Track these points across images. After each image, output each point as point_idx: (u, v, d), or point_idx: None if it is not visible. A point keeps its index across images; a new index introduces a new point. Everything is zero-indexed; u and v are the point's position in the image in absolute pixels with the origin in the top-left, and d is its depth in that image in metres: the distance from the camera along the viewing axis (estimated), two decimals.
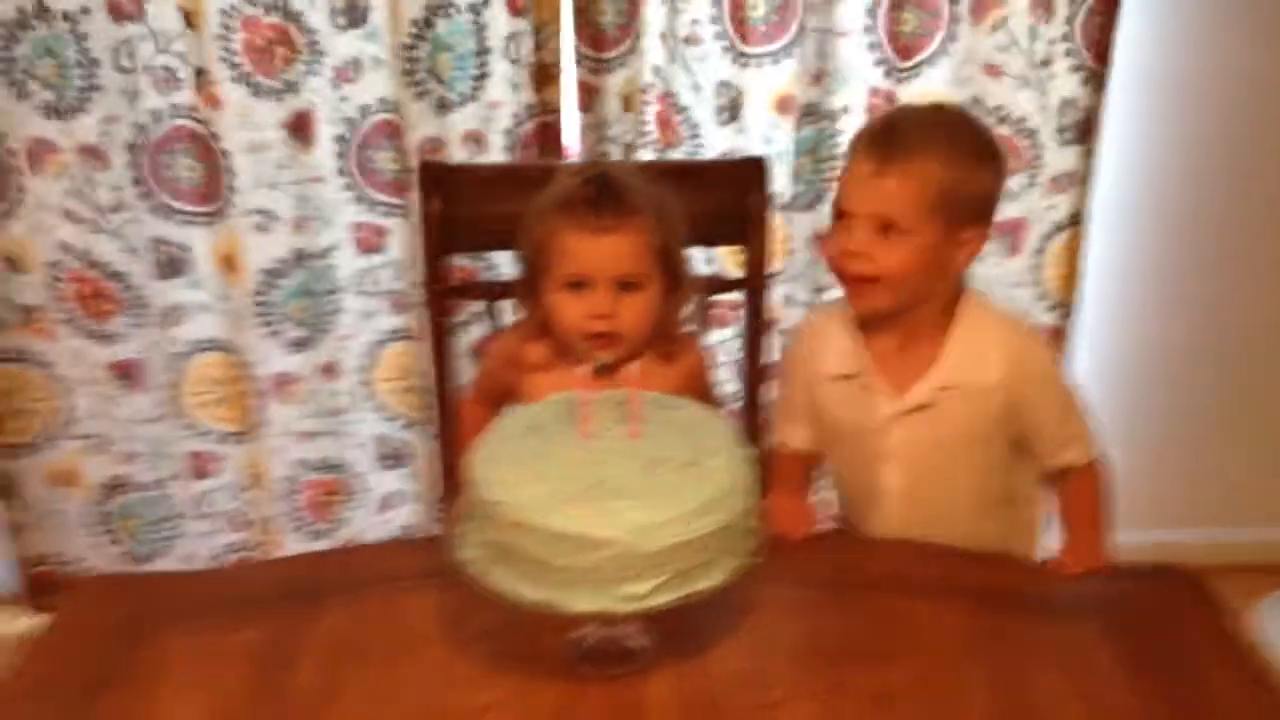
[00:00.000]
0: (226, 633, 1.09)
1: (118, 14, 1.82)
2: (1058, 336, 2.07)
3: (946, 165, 1.26)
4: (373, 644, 1.07)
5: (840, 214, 1.31)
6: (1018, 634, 1.08)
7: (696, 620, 1.06)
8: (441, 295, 1.63)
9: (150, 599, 1.16)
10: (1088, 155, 1.96)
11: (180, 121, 1.89)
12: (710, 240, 1.84)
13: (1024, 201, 1.99)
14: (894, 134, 1.29)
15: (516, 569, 0.96)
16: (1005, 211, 2.00)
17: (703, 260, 1.98)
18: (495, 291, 1.70)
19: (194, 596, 1.18)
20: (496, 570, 0.98)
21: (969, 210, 1.28)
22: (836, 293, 1.39)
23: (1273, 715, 0.99)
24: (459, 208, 1.58)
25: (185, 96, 1.87)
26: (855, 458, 1.38)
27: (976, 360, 1.31)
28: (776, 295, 2.01)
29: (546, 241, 1.31)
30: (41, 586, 2.17)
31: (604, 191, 1.31)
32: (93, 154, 1.90)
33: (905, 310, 1.31)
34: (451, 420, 1.64)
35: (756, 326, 1.63)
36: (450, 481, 1.56)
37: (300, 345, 2.04)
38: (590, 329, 1.31)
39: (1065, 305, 2.06)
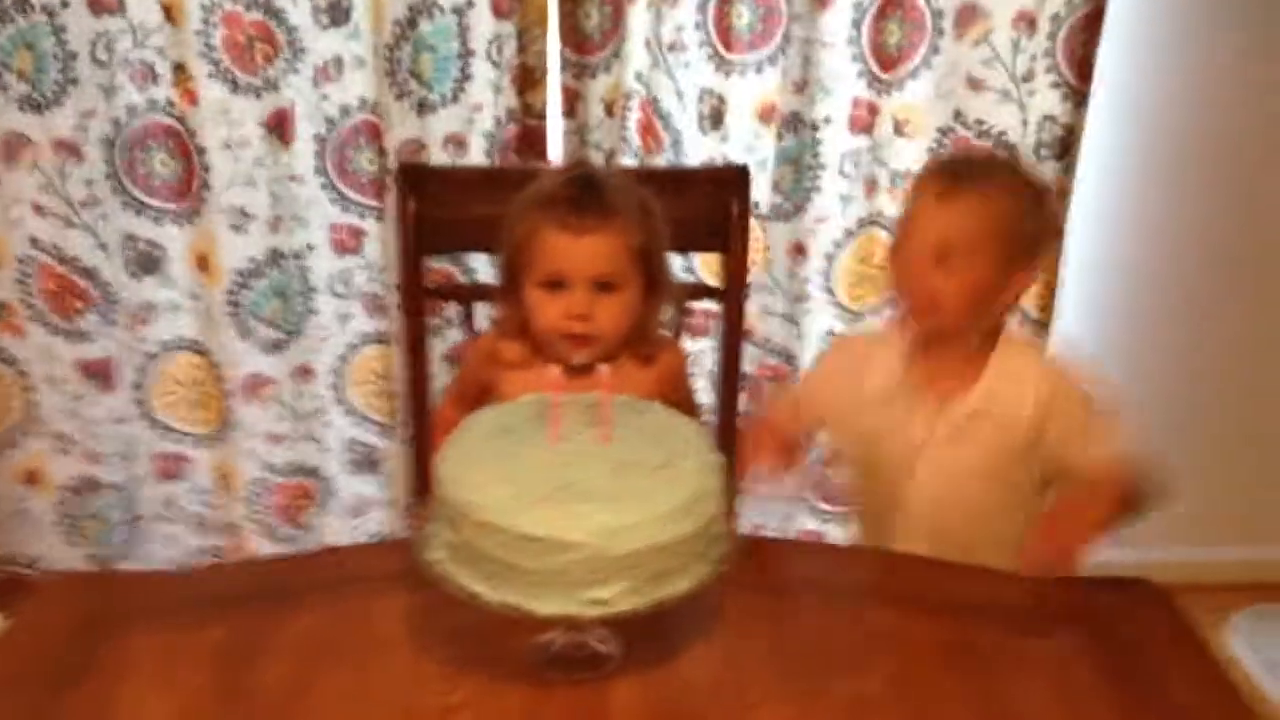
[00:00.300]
0: (193, 631, 1.07)
1: (97, 7, 1.80)
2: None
3: (1008, 199, 1.32)
4: (341, 644, 1.05)
5: (903, 241, 1.35)
6: (992, 644, 1.07)
7: (666, 626, 1.04)
8: (417, 297, 1.62)
9: (115, 597, 1.14)
10: (1067, 171, 1.96)
11: (157, 117, 1.88)
12: (689, 247, 1.84)
13: None
14: (962, 166, 1.37)
15: (483, 570, 0.95)
16: None
17: (681, 268, 1.98)
18: (472, 295, 1.69)
19: (160, 595, 1.15)
20: (463, 571, 0.96)
21: (1023, 246, 1.33)
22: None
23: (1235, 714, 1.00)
24: (437, 210, 1.57)
25: (163, 92, 1.86)
26: (881, 477, 1.41)
27: (1011, 391, 1.34)
28: (753, 306, 2.00)
29: (527, 239, 1.30)
30: (3, 588, 2.14)
31: (586, 191, 1.31)
32: (67, 148, 1.88)
33: (952, 337, 1.36)
34: (425, 424, 1.63)
35: (733, 335, 1.62)
36: (422, 486, 1.54)
37: (274, 347, 2.02)
38: (567, 329, 1.30)
39: (1043, 319, 2.06)
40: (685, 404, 1.41)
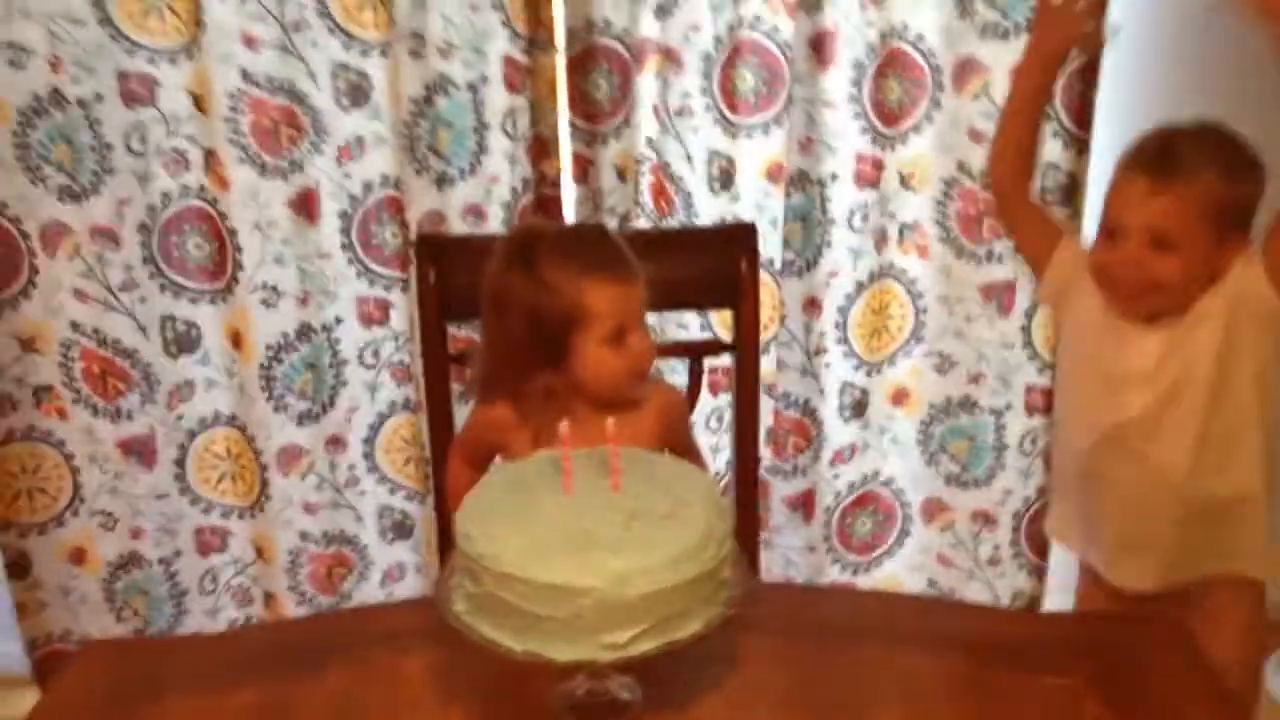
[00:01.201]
0: (225, 694, 1.11)
1: (130, 99, 1.89)
2: (1050, 398, 2.09)
3: (1217, 181, 1.33)
4: (369, 703, 1.09)
5: (1111, 229, 1.39)
6: (1002, 682, 1.09)
7: (683, 671, 1.07)
8: (442, 365, 1.67)
9: (149, 662, 1.18)
10: (1074, 217, 2.00)
11: (190, 202, 1.96)
12: (704, 304, 1.89)
13: (1011, 264, 2.03)
14: (1167, 153, 1.36)
15: (503, 620, 0.99)
16: (993, 273, 2.05)
17: (698, 325, 2.03)
18: None
19: (192, 660, 1.20)
20: (485, 622, 1.00)
21: (1236, 220, 1.36)
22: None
23: None
24: (457, 278, 1.62)
25: (195, 178, 1.94)
26: (1094, 378, 1.45)
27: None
28: (771, 361, 2.05)
29: (577, 303, 1.31)
30: (49, 666, 2.19)
31: (612, 243, 1.37)
32: (105, 235, 1.96)
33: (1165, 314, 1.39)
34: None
35: (748, 387, 1.65)
36: (446, 548, 1.58)
37: (307, 418, 2.08)
38: (638, 369, 1.35)
39: (1055, 366, 2.08)
40: (683, 437, 1.46)
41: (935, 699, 1.08)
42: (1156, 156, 1.37)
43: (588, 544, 0.98)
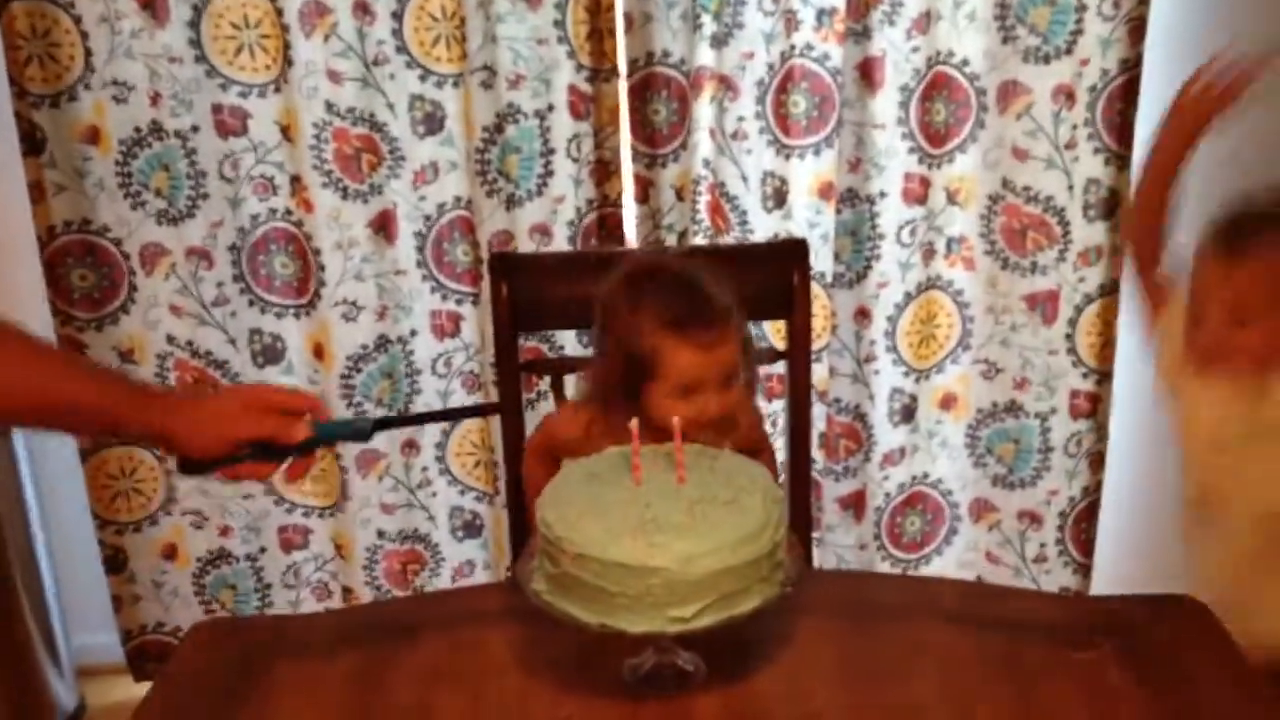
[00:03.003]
0: (329, 662, 1.23)
1: (223, 130, 2.04)
2: (1094, 402, 2.17)
3: None
4: (458, 670, 1.20)
5: (1199, 313, 1.39)
6: (1033, 657, 1.19)
7: (742, 647, 1.18)
8: (513, 373, 1.78)
9: (261, 637, 1.31)
10: (1114, 230, 2.08)
11: (277, 224, 2.11)
12: (758, 316, 1.98)
13: (1055, 275, 2.12)
14: (1238, 229, 1.36)
15: (579, 597, 1.10)
16: (1037, 284, 2.14)
17: (755, 335, 2.13)
18: (561, 368, 1.85)
19: (298, 634, 1.32)
20: (562, 599, 1.12)
21: None
22: None
23: None
24: (527, 293, 1.73)
25: (282, 202, 2.09)
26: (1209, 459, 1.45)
27: None
28: (823, 369, 2.15)
29: (655, 355, 1.35)
30: (143, 655, 2.34)
31: (703, 304, 1.37)
32: (199, 255, 2.11)
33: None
34: (519, 490, 1.78)
35: (799, 395, 1.75)
36: (517, 540, 1.69)
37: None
38: (705, 422, 1.34)
39: (1102, 371, 2.16)
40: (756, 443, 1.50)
41: (972, 673, 1.17)
42: (1229, 232, 1.36)
43: (656, 528, 1.09)
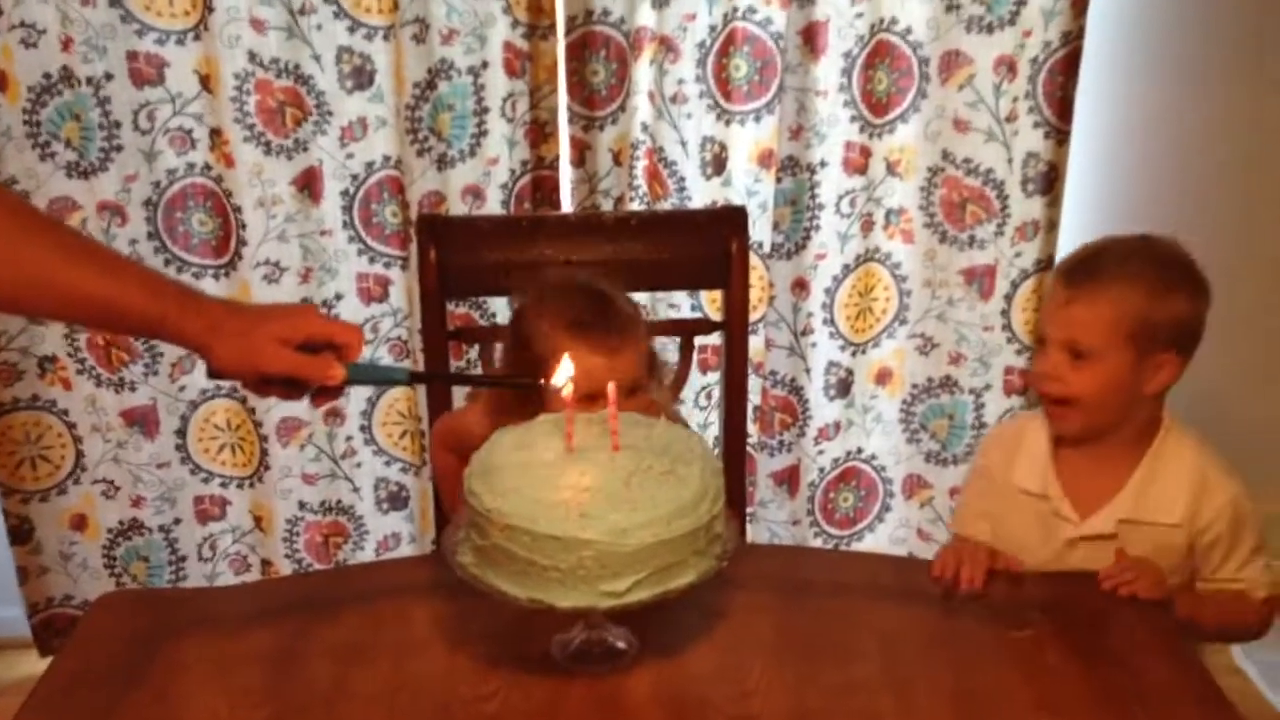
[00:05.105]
0: (241, 639, 1.17)
1: (139, 79, 1.94)
2: (1026, 378, 2.17)
3: (1135, 294, 1.31)
4: (380, 646, 1.15)
5: (1040, 339, 1.39)
6: (973, 633, 1.17)
7: (676, 623, 1.14)
8: (440, 340, 1.72)
9: (169, 610, 1.24)
10: (1052, 205, 2.07)
11: (196, 179, 2.01)
12: (695, 285, 1.95)
13: (993, 249, 2.11)
14: (1088, 263, 1.35)
15: (508, 571, 1.05)
16: (975, 258, 2.13)
17: (688, 305, 2.09)
18: (491, 336, 1.80)
19: (208, 608, 1.26)
20: (491, 572, 1.06)
21: (1161, 337, 1.32)
22: None
23: (1205, 697, 1.07)
24: (456, 257, 1.68)
25: (201, 156, 2.00)
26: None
27: (1161, 496, 1.34)
28: (759, 340, 2.11)
29: (556, 358, 1.26)
30: (49, 630, 2.24)
31: (605, 310, 1.38)
32: (112, 210, 2.01)
33: (1099, 434, 1.36)
34: None
35: (736, 368, 1.71)
36: (441, 519, 1.64)
37: None
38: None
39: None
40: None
41: (910, 650, 1.15)
42: (1076, 266, 1.36)
43: (589, 499, 1.04)
